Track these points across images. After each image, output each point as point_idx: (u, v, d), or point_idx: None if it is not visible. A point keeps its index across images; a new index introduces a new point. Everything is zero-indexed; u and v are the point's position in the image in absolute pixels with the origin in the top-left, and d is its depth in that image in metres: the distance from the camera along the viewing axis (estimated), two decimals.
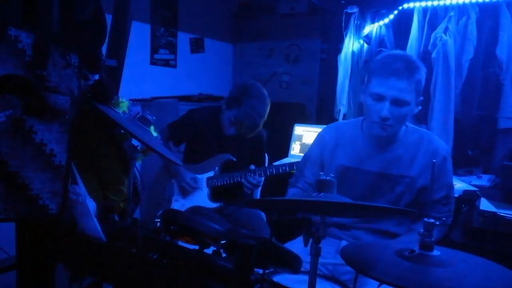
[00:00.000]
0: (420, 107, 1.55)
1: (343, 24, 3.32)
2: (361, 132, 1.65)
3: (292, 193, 1.73)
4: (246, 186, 2.32)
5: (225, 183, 2.39)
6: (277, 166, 2.34)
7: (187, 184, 2.40)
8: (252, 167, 2.31)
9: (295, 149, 3.05)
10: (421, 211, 1.48)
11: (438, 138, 1.64)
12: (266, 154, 2.60)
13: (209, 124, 2.42)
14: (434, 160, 1.04)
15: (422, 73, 1.50)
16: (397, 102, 1.45)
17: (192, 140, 2.47)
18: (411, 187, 1.56)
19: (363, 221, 1.61)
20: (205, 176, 2.44)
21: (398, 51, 1.72)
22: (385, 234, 1.59)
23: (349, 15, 3.30)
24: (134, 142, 1.36)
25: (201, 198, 2.43)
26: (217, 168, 2.43)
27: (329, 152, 1.66)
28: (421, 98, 1.53)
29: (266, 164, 2.60)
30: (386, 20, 3.13)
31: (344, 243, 1.55)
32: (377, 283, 0.90)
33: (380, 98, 1.46)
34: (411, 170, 1.56)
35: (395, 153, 1.57)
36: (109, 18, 1.44)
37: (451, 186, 1.61)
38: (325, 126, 1.81)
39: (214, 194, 2.44)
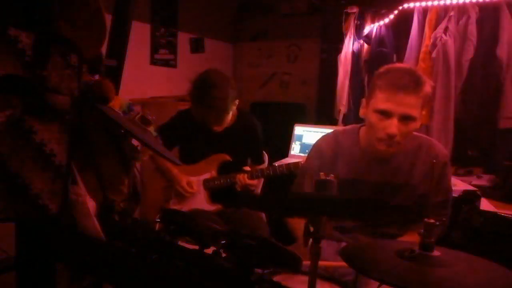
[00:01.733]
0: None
1: (343, 24, 3.32)
2: (358, 142, 1.62)
3: None
4: (237, 184, 2.29)
5: (222, 184, 2.35)
6: (275, 167, 2.31)
7: (183, 189, 2.35)
8: (247, 168, 2.29)
9: (295, 149, 3.05)
10: (420, 212, 1.47)
11: (438, 144, 1.60)
12: (264, 151, 2.55)
13: (199, 123, 2.33)
14: (434, 161, 1.04)
15: (429, 87, 1.44)
16: (405, 118, 1.41)
17: (185, 141, 2.41)
18: (412, 195, 1.54)
19: (365, 225, 1.60)
20: (201, 178, 2.39)
21: (403, 65, 1.66)
22: (387, 237, 1.58)
23: (349, 15, 3.31)
24: (134, 142, 1.36)
25: (199, 201, 2.38)
26: (213, 169, 2.38)
27: (329, 164, 1.61)
28: (423, 112, 1.48)
29: (266, 162, 2.57)
30: (386, 20, 3.13)
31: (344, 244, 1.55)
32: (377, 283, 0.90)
33: (387, 114, 1.41)
34: (411, 178, 1.54)
35: (394, 162, 1.55)
36: (109, 18, 1.45)
37: (449, 190, 1.60)
38: (322, 135, 1.75)
39: (213, 196, 2.40)
